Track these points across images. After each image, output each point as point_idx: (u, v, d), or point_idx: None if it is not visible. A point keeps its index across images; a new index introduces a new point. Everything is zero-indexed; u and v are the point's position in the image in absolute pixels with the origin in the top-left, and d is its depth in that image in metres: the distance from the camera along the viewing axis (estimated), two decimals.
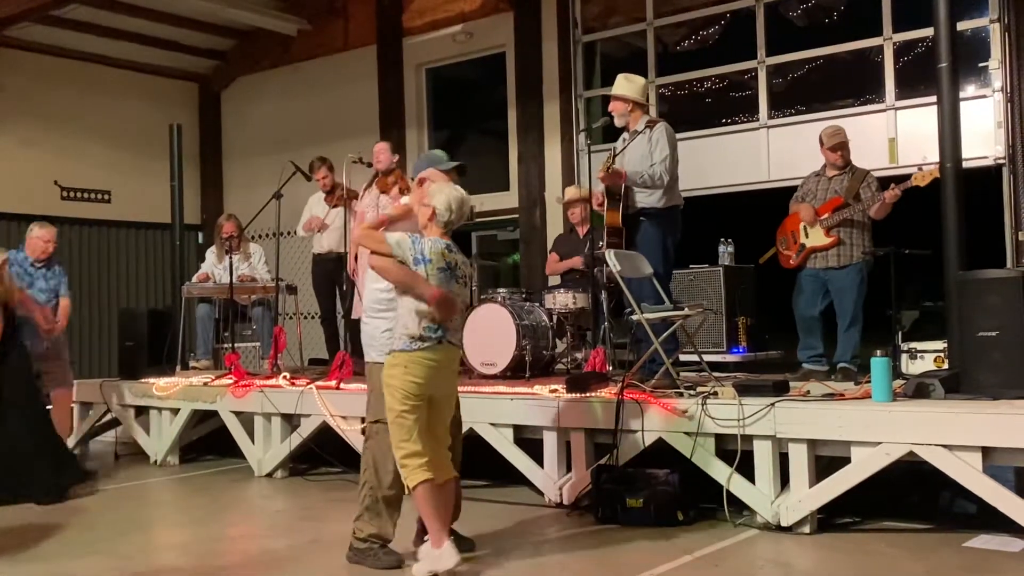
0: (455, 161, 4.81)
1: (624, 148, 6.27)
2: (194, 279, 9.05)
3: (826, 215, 6.55)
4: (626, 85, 6.38)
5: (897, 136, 8.47)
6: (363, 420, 4.89)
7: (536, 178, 10.43)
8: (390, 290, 4.45)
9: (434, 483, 4.21)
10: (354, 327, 6.82)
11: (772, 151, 9.20)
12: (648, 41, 9.99)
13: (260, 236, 10.80)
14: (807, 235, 6.65)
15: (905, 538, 4.84)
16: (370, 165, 7.49)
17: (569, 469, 5.69)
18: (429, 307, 4.24)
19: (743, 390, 5.25)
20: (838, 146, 6.66)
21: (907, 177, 6.25)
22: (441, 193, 4.44)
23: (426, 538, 4.40)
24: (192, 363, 8.95)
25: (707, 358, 6.50)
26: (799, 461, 4.91)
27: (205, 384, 7.52)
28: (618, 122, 6.43)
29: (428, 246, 4.34)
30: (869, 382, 5.07)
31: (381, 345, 4.51)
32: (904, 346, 6.40)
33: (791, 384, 5.61)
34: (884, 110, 8.61)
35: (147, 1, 11.40)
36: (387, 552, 4.48)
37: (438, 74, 11.86)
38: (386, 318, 4.52)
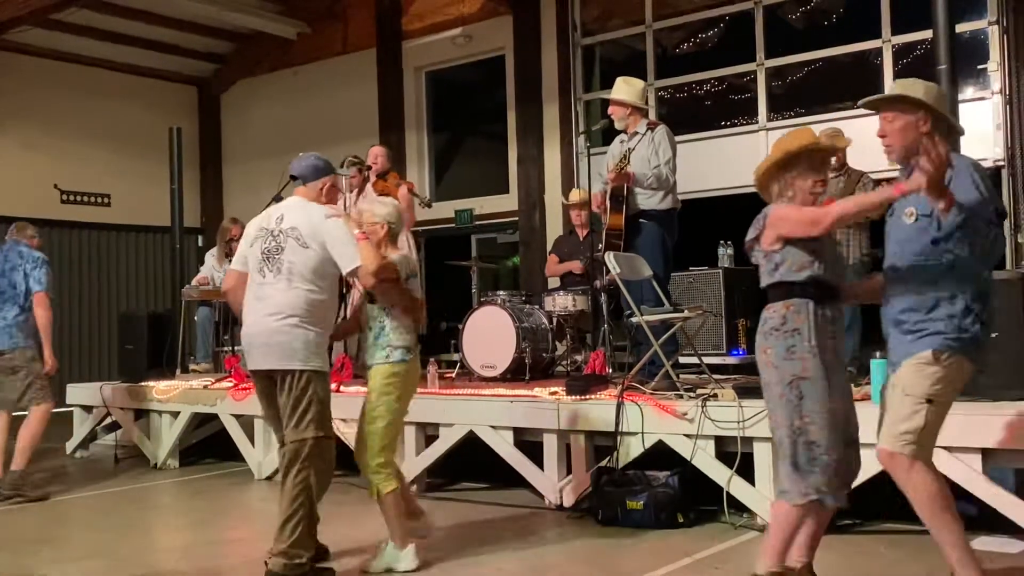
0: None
1: (633, 149, 6.26)
2: (194, 282, 9.06)
3: None
4: (625, 89, 6.39)
5: None
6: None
7: (536, 181, 10.45)
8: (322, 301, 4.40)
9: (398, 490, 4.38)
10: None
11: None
12: (647, 44, 10.01)
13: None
14: None
15: (905, 539, 4.83)
16: (369, 168, 7.50)
17: (569, 471, 5.69)
18: (415, 317, 4.42)
19: (743, 392, 5.25)
20: (837, 148, 6.65)
21: None
22: (385, 207, 4.59)
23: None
24: (192, 366, 8.96)
25: (707, 360, 6.49)
26: None
27: (205, 387, 7.52)
28: (618, 125, 6.45)
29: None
30: (868, 384, 5.07)
31: (317, 353, 4.40)
32: None
33: None
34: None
35: (147, 5, 11.43)
36: (324, 569, 4.42)
37: (437, 77, 11.88)
38: (316, 326, 4.37)
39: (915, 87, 3.51)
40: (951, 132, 3.56)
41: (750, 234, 3.68)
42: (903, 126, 3.50)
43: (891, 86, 3.58)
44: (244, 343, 4.44)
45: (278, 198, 7.81)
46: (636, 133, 6.35)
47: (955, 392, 3.51)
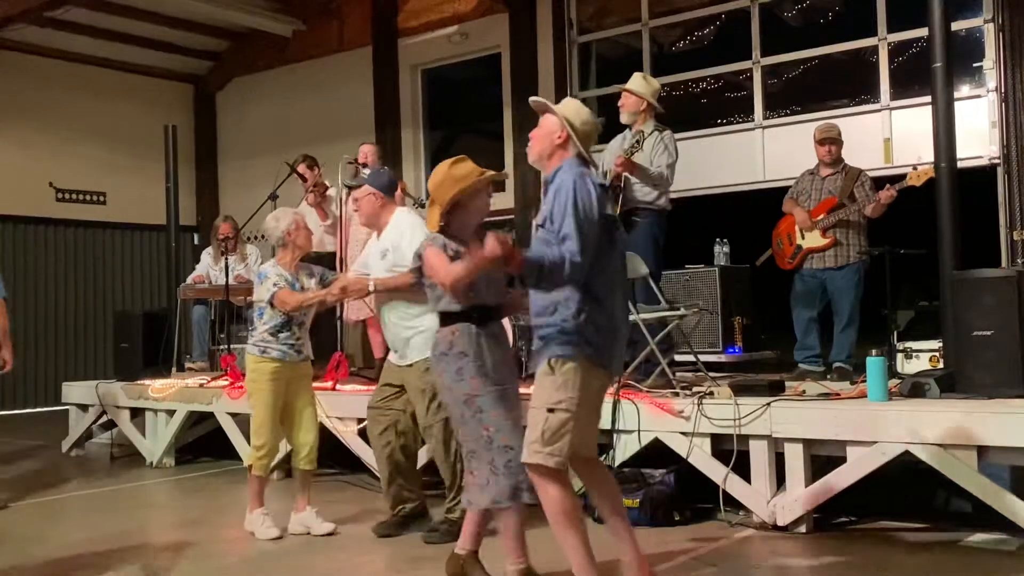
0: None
1: (643, 140, 6.24)
2: (189, 280, 9.04)
3: (822, 216, 6.55)
4: (642, 83, 6.38)
5: (892, 136, 8.48)
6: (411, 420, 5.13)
7: (532, 179, 10.42)
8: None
9: None
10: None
11: (767, 151, 9.20)
12: (643, 42, 10.00)
13: (256, 238, 10.80)
14: (803, 236, 6.65)
15: (901, 537, 4.84)
16: (365, 166, 7.48)
17: None
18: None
19: (739, 390, 5.25)
20: (826, 140, 6.67)
21: (902, 177, 6.27)
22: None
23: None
24: (188, 365, 8.94)
25: (703, 358, 6.51)
26: (795, 461, 4.92)
27: (201, 386, 7.50)
28: (626, 119, 6.41)
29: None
30: (865, 381, 5.08)
31: None
32: (899, 345, 6.41)
33: (787, 384, 5.62)
34: (879, 110, 8.63)
35: (142, 2, 11.39)
36: None
37: (433, 75, 11.86)
38: None
39: (566, 104, 3.81)
40: (585, 161, 3.73)
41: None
42: (543, 133, 3.78)
43: (565, 102, 3.87)
44: None
45: (274, 196, 7.84)
46: (641, 132, 6.33)
47: (584, 397, 3.59)
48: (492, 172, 4.18)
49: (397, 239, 4.91)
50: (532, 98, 3.95)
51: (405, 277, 4.51)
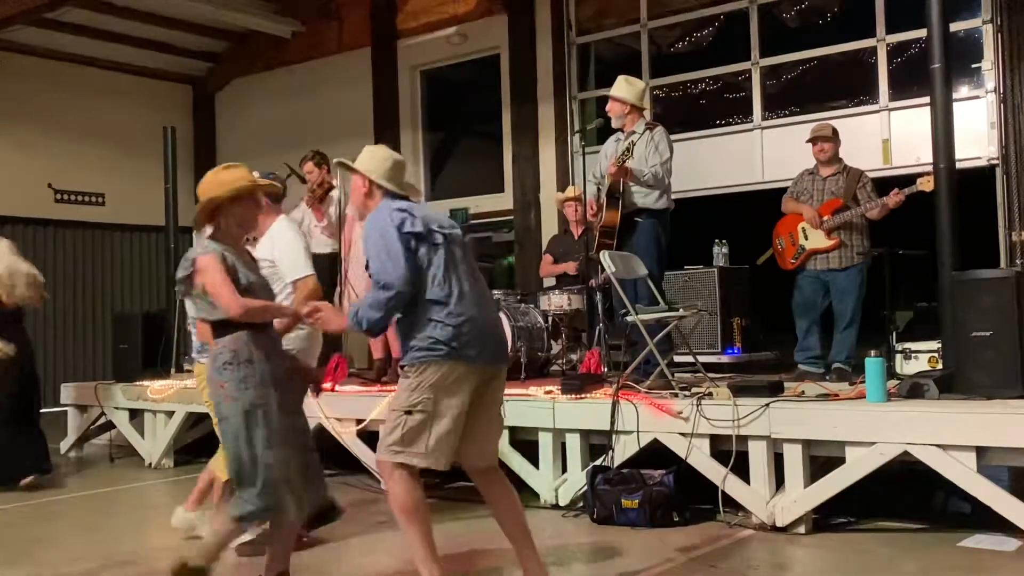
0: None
1: (633, 146, 6.26)
2: None
3: (827, 217, 6.55)
4: (626, 87, 6.40)
5: (891, 137, 8.49)
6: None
7: (531, 180, 10.43)
8: None
9: None
10: None
11: (766, 152, 9.21)
12: (642, 43, 10.01)
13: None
14: (806, 237, 6.65)
15: (900, 538, 4.85)
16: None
17: (565, 470, 5.69)
18: None
19: (738, 391, 5.25)
20: (818, 138, 6.69)
21: (905, 178, 6.27)
22: None
23: None
24: (186, 366, 8.93)
25: (702, 359, 6.51)
26: (794, 461, 4.92)
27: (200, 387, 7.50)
28: (615, 123, 6.45)
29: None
30: (863, 382, 5.08)
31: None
32: (898, 346, 6.41)
33: (786, 385, 5.62)
34: (878, 111, 8.63)
35: (141, 3, 11.39)
36: None
37: (432, 76, 11.87)
38: None
39: (361, 157, 3.90)
40: (395, 195, 3.87)
41: (180, 274, 3.90)
42: (353, 188, 3.94)
43: (362, 154, 3.96)
44: None
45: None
46: (633, 132, 6.35)
47: (442, 395, 3.68)
48: (265, 181, 4.18)
49: (268, 251, 4.82)
50: (335, 159, 4.14)
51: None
